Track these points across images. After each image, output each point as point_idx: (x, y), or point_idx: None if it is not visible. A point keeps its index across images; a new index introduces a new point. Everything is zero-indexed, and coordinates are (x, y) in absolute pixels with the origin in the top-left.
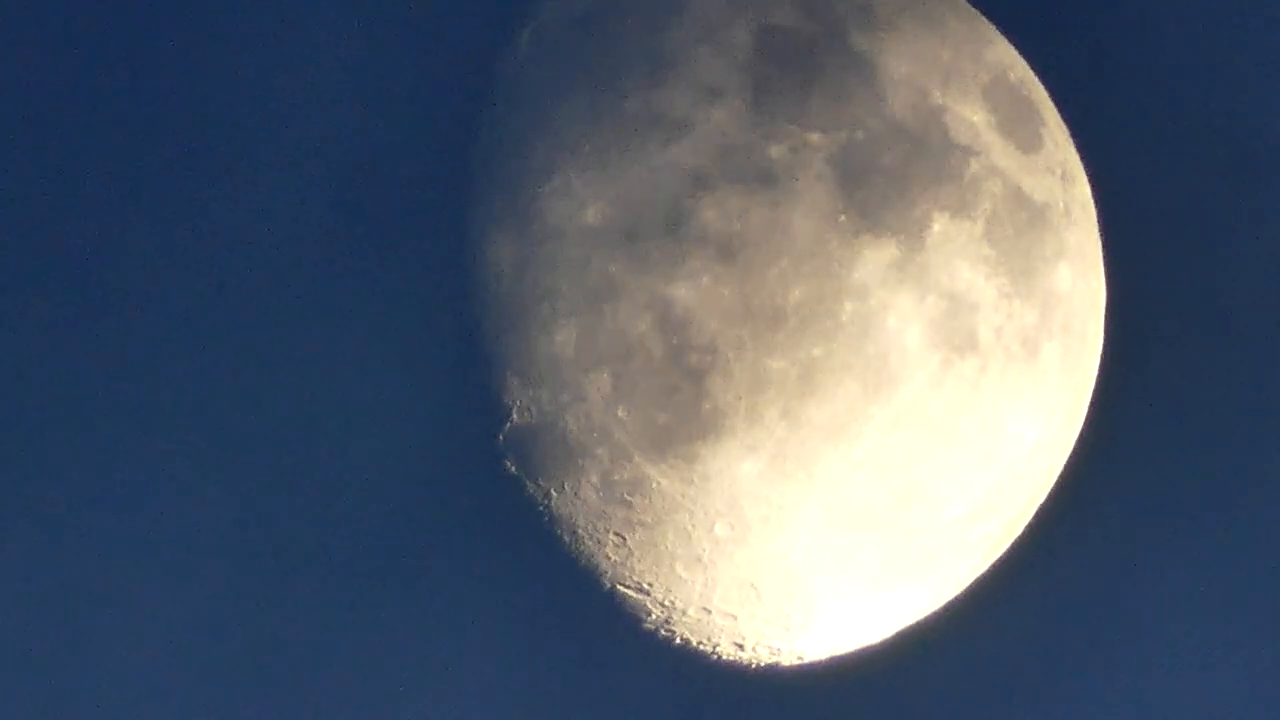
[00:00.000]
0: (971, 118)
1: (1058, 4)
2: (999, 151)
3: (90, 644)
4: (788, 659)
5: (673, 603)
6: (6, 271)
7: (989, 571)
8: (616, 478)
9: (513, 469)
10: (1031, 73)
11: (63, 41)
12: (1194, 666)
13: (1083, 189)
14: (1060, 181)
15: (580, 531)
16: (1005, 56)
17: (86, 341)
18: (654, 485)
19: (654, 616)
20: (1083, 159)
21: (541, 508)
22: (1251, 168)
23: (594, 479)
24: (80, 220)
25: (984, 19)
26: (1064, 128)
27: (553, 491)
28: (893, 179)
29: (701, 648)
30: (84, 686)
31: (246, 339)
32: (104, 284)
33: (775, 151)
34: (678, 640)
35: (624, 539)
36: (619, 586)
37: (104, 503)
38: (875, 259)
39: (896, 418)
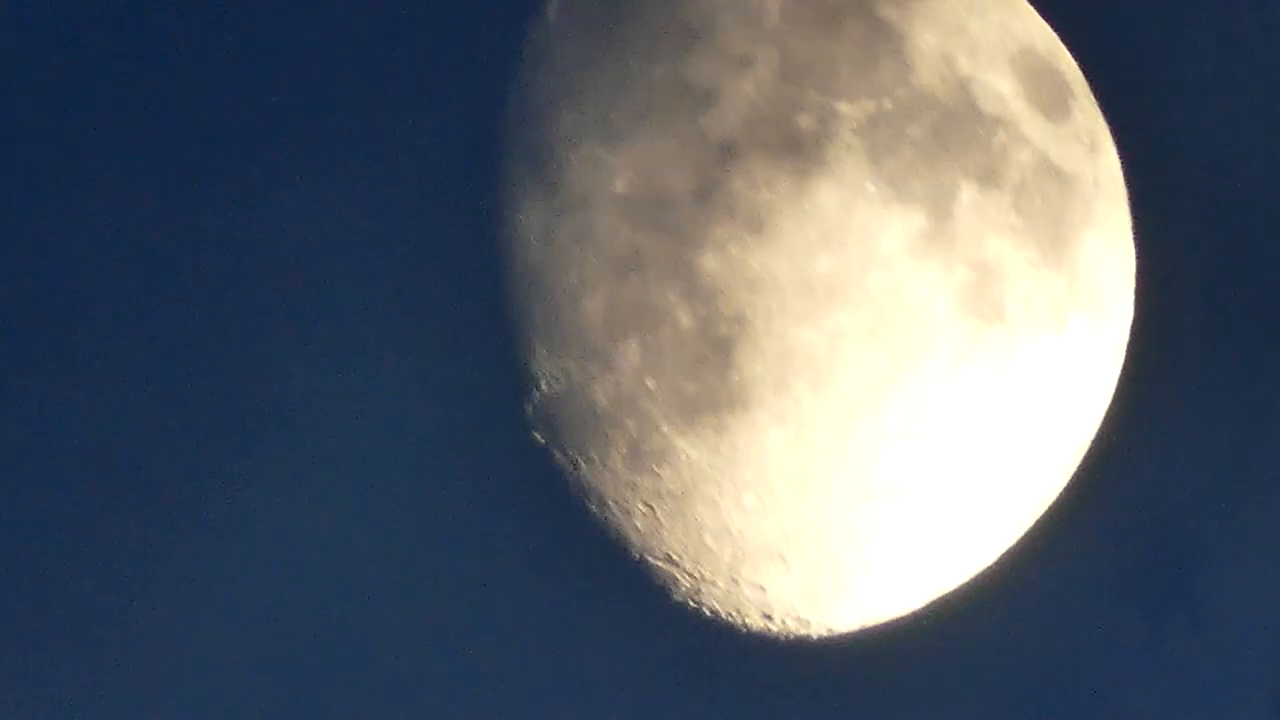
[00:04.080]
0: (999, 87)
1: None
2: (1027, 121)
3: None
4: (817, 630)
5: (701, 573)
6: (57, 272)
7: (1019, 542)
8: (645, 448)
9: (541, 439)
10: (1060, 43)
11: (86, 48)
12: (1238, 646)
13: (1111, 159)
14: (1089, 151)
15: (609, 502)
16: (1033, 26)
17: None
18: (682, 456)
19: (683, 587)
20: (1111, 129)
21: (569, 478)
22: None
23: (622, 449)
24: (111, 221)
25: None
26: (1092, 98)
27: (581, 462)
28: (920, 149)
29: (730, 619)
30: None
31: (275, 313)
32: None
33: (803, 121)
34: (706, 611)
35: (652, 509)
36: (647, 557)
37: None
38: (903, 229)
39: (925, 388)
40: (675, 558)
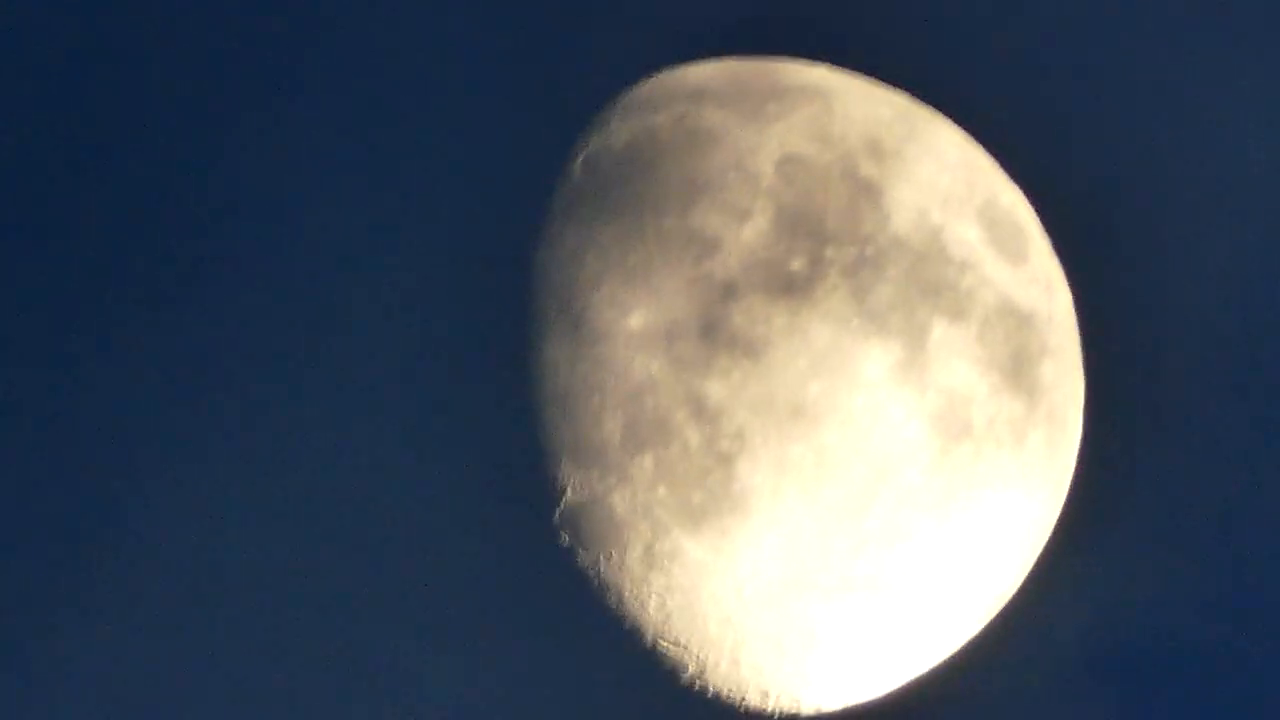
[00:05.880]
0: (967, 235)
1: (1045, 137)
2: (991, 265)
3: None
4: (807, 709)
5: (706, 657)
6: (130, 267)
7: (983, 631)
8: (657, 548)
9: (567, 540)
10: (1020, 195)
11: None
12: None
13: (1064, 298)
14: (1044, 291)
15: (626, 595)
16: (996, 181)
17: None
18: (690, 555)
19: (690, 669)
20: (1064, 271)
21: (592, 573)
22: (1219, 276)
23: (638, 550)
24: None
25: (979, 148)
26: (1048, 243)
27: (602, 559)
28: (898, 288)
29: (731, 697)
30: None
31: (339, 435)
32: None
33: (795, 264)
34: (710, 691)
35: (664, 601)
36: (660, 642)
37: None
38: (883, 359)
39: (901, 497)
40: (683, 644)
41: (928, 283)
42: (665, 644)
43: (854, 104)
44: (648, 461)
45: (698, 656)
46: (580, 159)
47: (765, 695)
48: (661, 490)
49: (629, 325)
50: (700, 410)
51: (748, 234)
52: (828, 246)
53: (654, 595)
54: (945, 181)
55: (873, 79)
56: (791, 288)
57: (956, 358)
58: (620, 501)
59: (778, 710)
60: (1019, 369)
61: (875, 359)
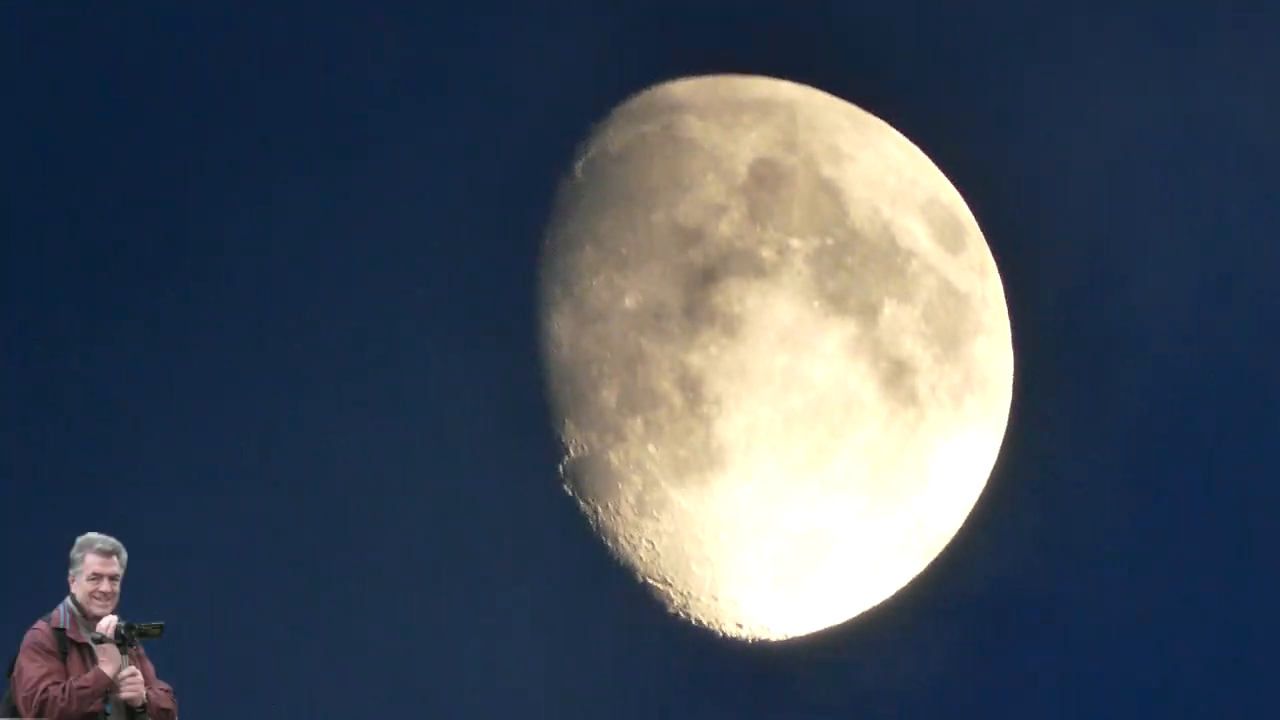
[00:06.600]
0: (912, 228)
1: (979, 144)
2: (932, 253)
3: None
4: (776, 635)
5: (689, 592)
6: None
7: (925, 569)
8: (647, 498)
9: (570, 491)
10: (958, 193)
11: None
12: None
13: (996, 282)
14: (979, 276)
15: (620, 539)
16: (937, 181)
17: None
18: (676, 504)
19: (675, 603)
20: (995, 259)
21: (591, 520)
22: (1128, 261)
23: (630, 499)
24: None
25: (922, 153)
26: (981, 235)
27: (599, 509)
28: (853, 274)
29: (710, 627)
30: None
31: (375, 401)
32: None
33: (765, 253)
34: (693, 622)
35: (653, 545)
36: (649, 580)
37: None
38: (840, 334)
39: (857, 453)
40: (669, 581)
41: (879, 269)
42: (654, 581)
43: (816, 115)
44: (639, 423)
45: (682, 592)
46: (581, 162)
47: (739, 625)
48: (651, 448)
49: (623, 305)
50: (684, 379)
51: (725, 227)
52: (793, 237)
53: (644, 539)
54: (893, 182)
55: (832, 94)
56: (762, 273)
57: (904, 333)
58: (615, 458)
59: (750, 637)
60: (957, 343)
61: (834, 334)
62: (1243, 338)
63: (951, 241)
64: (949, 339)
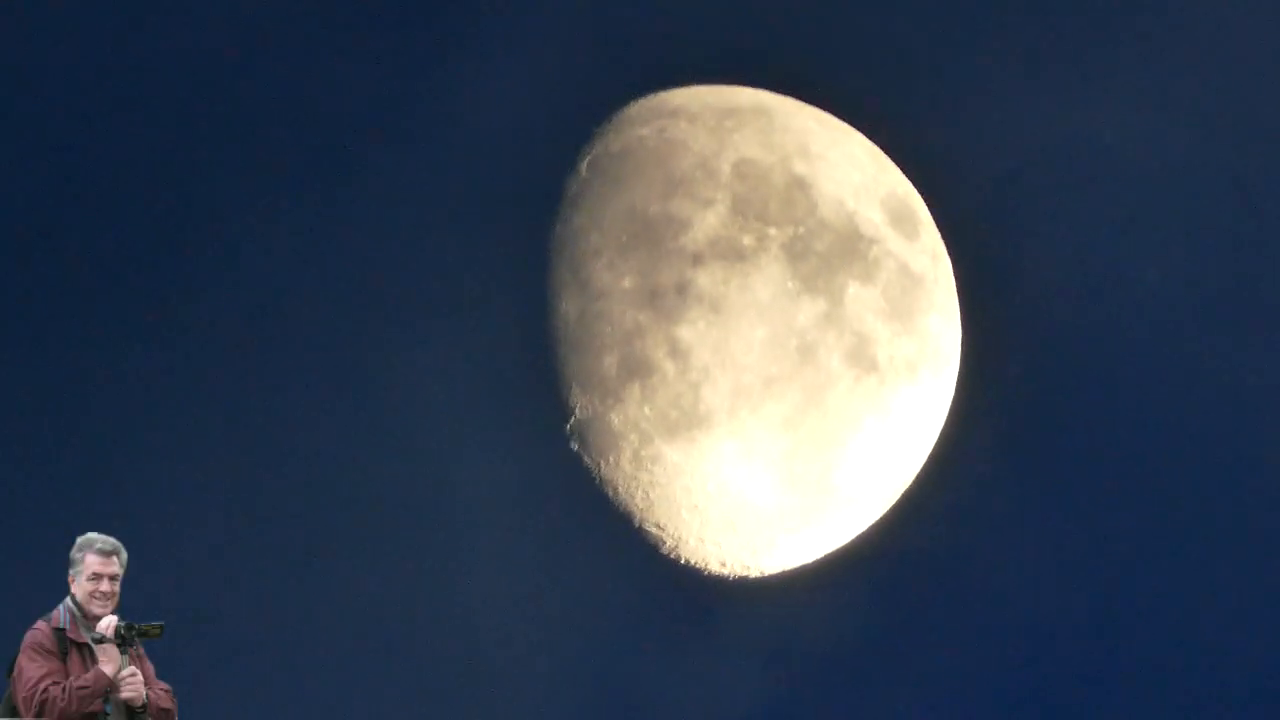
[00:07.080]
0: (874, 218)
1: (932, 144)
2: (892, 240)
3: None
4: (754, 573)
5: (679, 536)
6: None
7: (884, 515)
8: (643, 454)
9: (576, 447)
10: (913, 187)
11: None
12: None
13: (947, 266)
14: (932, 260)
15: (620, 489)
16: (895, 177)
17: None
18: (668, 459)
19: (667, 545)
20: (946, 245)
21: (595, 472)
22: (1071, 248)
23: (629, 455)
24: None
25: (883, 153)
26: (933, 224)
27: (602, 463)
28: (823, 259)
29: (697, 566)
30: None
31: (403, 372)
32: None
33: (746, 240)
34: (682, 561)
35: (648, 494)
36: (645, 525)
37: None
38: (811, 311)
39: (826, 414)
40: (662, 526)
41: (844, 254)
42: (649, 526)
43: (789, 120)
44: (636, 388)
45: (673, 535)
46: (586, 160)
47: (723, 564)
48: (646, 410)
49: (623, 285)
50: (675, 350)
51: (711, 218)
52: (770, 227)
53: (640, 489)
54: (857, 178)
55: (804, 101)
56: (743, 258)
57: (866, 310)
58: (616, 418)
59: (732, 574)
60: (912, 319)
61: (805, 311)
62: (1171, 304)
63: (908, 230)
64: (905, 315)
